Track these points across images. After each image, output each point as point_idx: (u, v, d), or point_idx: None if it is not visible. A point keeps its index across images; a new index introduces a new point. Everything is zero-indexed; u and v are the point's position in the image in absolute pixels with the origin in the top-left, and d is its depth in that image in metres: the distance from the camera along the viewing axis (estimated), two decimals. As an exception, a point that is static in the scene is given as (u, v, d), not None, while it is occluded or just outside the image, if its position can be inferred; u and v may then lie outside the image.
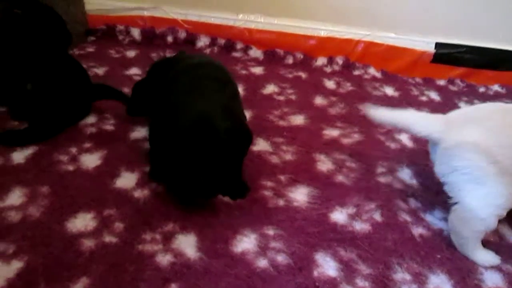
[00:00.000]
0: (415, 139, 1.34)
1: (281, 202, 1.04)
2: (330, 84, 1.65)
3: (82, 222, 0.92)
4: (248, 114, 1.37)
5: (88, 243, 0.87)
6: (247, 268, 0.86)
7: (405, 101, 1.59)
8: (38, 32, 1.19)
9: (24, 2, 1.18)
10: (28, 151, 1.12)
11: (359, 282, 0.85)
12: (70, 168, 1.08)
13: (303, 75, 1.69)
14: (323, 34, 1.79)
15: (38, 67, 1.18)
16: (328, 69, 1.76)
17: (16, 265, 0.81)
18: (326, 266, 0.88)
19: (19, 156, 1.10)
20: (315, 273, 0.86)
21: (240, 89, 1.49)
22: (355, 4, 1.74)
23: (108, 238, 0.89)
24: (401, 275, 0.88)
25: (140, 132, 1.23)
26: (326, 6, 1.76)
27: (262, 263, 0.87)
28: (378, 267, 0.89)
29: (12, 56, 1.17)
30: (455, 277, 0.89)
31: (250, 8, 1.78)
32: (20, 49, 1.17)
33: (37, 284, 0.78)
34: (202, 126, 0.91)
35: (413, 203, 1.08)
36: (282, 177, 1.12)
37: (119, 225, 0.92)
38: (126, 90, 1.44)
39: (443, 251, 0.95)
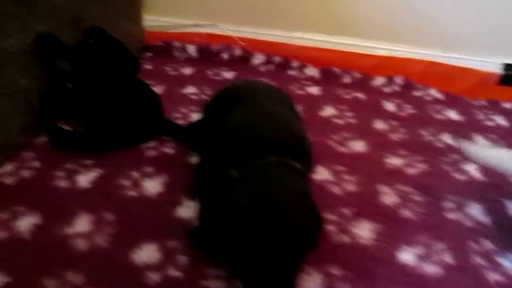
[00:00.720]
0: (485, 170, 1.26)
1: (346, 239, 1.00)
2: (390, 106, 1.60)
3: (147, 253, 0.92)
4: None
5: (154, 277, 0.87)
6: (314, 311, 0.83)
7: (471, 127, 1.51)
8: (106, 58, 1.29)
9: (95, 34, 1.32)
10: (93, 174, 1.14)
11: (433, 334, 0.81)
12: (133, 193, 1.09)
13: (361, 96, 1.65)
14: (381, 53, 1.73)
15: (111, 85, 1.26)
16: (387, 90, 1.71)
17: (86, 298, 0.82)
18: (396, 313, 0.84)
19: (84, 179, 1.12)
20: (386, 322, 0.82)
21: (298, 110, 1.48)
22: (415, 23, 1.68)
23: (173, 272, 0.89)
24: (478, 328, 0.83)
25: (200, 157, 1.23)
26: (385, 25, 1.71)
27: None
28: (453, 318, 0.84)
29: (88, 76, 1.26)
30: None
31: (307, 26, 1.76)
32: (93, 71, 1.27)
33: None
34: (265, 208, 0.74)
35: (486, 244, 1.02)
36: (346, 211, 1.08)
37: (182, 258, 0.92)
38: (184, 110, 1.46)
39: (524, 302, 0.89)
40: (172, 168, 1.18)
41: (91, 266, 0.88)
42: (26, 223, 0.98)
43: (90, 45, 1.28)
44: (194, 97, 1.55)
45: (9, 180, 1.10)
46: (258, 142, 0.88)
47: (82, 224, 0.98)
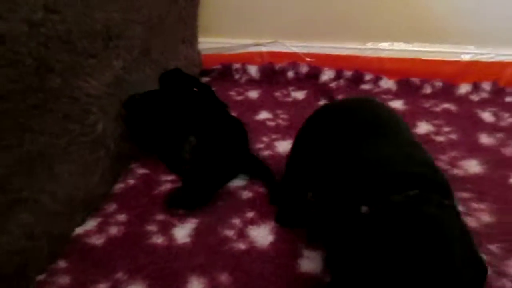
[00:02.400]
0: None
1: (502, 282, 0.84)
2: (487, 116, 1.43)
3: (284, 323, 0.77)
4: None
5: None
6: None
7: None
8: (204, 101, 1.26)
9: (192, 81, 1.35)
10: (190, 226, 1.00)
11: None
12: (242, 246, 0.94)
13: (451, 107, 1.48)
14: (465, 58, 1.58)
15: (201, 124, 1.16)
16: (476, 98, 1.54)
17: None
18: None
19: (182, 233, 0.98)
20: None
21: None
22: (502, 23, 1.52)
23: None
24: None
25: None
26: (467, 27, 1.55)
27: None
28: None
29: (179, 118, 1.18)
30: None
31: (378, 35, 1.61)
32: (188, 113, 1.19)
33: None
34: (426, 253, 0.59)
35: None
36: (493, 247, 0.92)
37: (328, 328, 0.76)
38: (265, 139, 1.31)
39: None
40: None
41: None
42: (125, 296, 0.83)
43: (195, 92, 1.22)
44: (270, 123, 1.41)
45: (97, 240, 0.97)
46: (394, 175, 0.71)
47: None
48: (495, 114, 1.45)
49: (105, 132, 1.06)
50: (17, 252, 0.82)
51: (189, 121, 1.15)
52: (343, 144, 0.84)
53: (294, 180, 1.00)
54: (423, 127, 1.36)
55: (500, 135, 1.33)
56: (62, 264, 0.91)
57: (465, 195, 1.07)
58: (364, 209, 0.66)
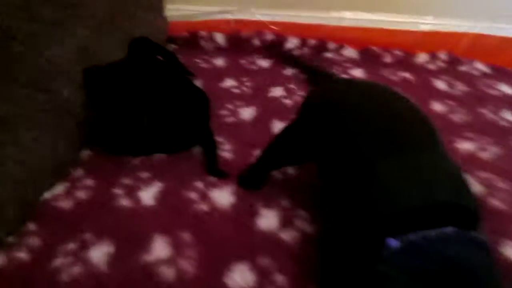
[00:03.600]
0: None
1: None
2: (440, 85, 1.52)
3: (240, 276, 0.84)
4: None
5: (257, 303, 0.80)
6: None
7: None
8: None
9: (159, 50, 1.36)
10: (155, 189, 1.05)
11: None
12: (204, 207, 1.00)
13: (408, 76, 1.56)
14: (423, 28, 1.64)
15: (158, 97, 1.15)
16: (432, 67, 1.62)
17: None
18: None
19: (147, 195, 1.03)
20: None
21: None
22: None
23: (275, 295, 0.81)
24: None
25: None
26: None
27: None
28: None
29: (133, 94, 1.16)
30: None
31: (342, 4, 1.65)
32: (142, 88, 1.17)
33: None
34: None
35: None
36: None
37: (280, 278, 0.84)
38: (230, 106, 1.36)
39: None
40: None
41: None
42: (99, 252, 0.89)
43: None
44: (235, 90, 1.45)
45: (65, 204, 1.01)
46: (427, 207, 0.60)
47: (160, 248, 0.90)
48: (448, 83, 1.53)
49: (70, 100, 1.09)
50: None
51: (147, 94, 1.15)
52: (353, 153, 0.72)
53: (269, 167, 1.03)
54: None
55: (451, 102, 1.42)
56: (31, 227, 0.95)
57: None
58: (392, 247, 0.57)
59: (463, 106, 1.40)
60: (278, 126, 1.25)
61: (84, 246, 0.91)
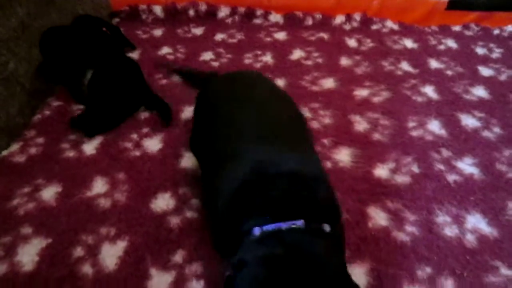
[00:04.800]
0: (440, 90, 1.44)
1: (329, 164, 1.17)
2: (351, 42, 1.73)
3: (163, 202, 1.06)
4: (282, 82, 1.48)
5: (174, 220, 1.02)
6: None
7: (425, 52, 1.67)
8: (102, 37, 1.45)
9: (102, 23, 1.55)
10: (96, 142, 1.25)
11: (408, 228, 1.00)
12: (137, 153, 1.21)
13: (325, 36, 1.77)
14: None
15: (98, 61, 1.34)
16: (348, 27, 1.83)
17: (122, 244, 0.96)
18: (378, 217, 1.02)
19: (89, 148, 1.23)
20: (370, 225, 1.01)
21: (269, 57, 1.60)
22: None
23: (190, 214, 1.04)
24: (442, 218, 1.02)
25: (189, 112, 1.35)
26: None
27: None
28: (422, 214, 1.03)
29: (79, 52, 1.36)
30: (488, 215, 1.03)
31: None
32: (86, 48, 1.37)
33: (144, 258, 0.93)
34: None
35: (444, 152, 1.21)
36: (325, 141, 1.24)
37: (196, 202, 1.07)
38: (163, 70, 1.55)
39: (476, 193, 1.09)
40: (164, 127, 1.30)
41: (119, 219, 1.02)
42: (49, 192, 1.10)
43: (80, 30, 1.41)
44: (170, 56, 1.64)
45: (20, 159, 1.20)
46: (274, 200, 0.71)
47: (99, 186, 1.11)
48: (358, 41, 1.75)
49: (17, 71, 1.26)
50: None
51: (90, 57, 1.33)
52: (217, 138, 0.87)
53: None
54: (296, 54, 1.65)
55: (357, 57, 1.64)
56: (-8, 178, 1.15)
57: (316, 105, 1.38)
58: (254, 235, 0.67)
59: (368, 59, 1.62)
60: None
61: (37, 189, 1.11)
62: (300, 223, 0.67)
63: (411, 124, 1.31)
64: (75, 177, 1.14)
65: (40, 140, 1.27)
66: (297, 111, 0.97)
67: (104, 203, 1.06)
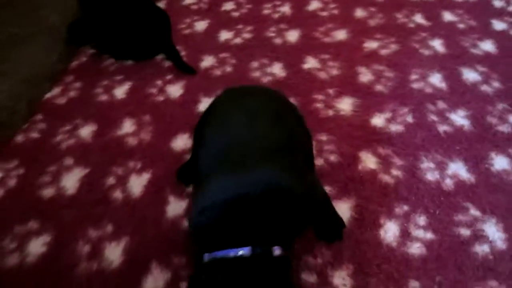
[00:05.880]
0: (447, 44, 1.50)
1: (330, 112, 1.29)
2: (369, -7, 1.77)
3: (182, 141, 1.23)
4: (296, 33, 1.57)
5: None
6: (308, 167, 1.15)
7: (441, 4, 1.70)
8: None
9: None
10: (125, 87, 1.41)
11: (394, 171, 1.13)
12: (161, 98, 1.37)
13: (342, -14, 1.81)
14: None
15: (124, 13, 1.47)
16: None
17: (146, 176, 1.15)
18: (368, 161, 1.15)
19: (120, 92, 1.40)
20: (359, 167, 1.14)
21: (287, 8, 1.67)
22: None
23: (203, 152, 1.20)
24: (426, 164, 1.14)
25: (209, 61, 1.48)
26: None
27: (320, 161, 1.16)
28: (409, 160, 1.15)
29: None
30: (469, 163, 1.14)
31: None
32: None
33: (164, 188, 1.11)
34: None
35: (440, 104, 1.30)
36: (331, 91, 1.35)
37: (209, 142, 1.23)
38: (187, 20, 1.67)
39: (462, 143, 1.18)
40: (187, 74, 1.44)
41: (144, 154, 1.20)
42: (86, 130, 1.29)
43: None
44: (194, 7, 1.75)
45: (61, 101, 1.39)
46: (227, 226, 0.72)
47: (128, 126, 1.29)
48: (376, -9, 1.79)
49: (57, 23, 1.42)
50: (4, 108, 1.26)
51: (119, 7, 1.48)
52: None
53: None
54: (314, 5, 1.72)
55: (373, 9, 1.69)
56: (38, 117, 1.34)
57: (326, 56, 1.48)
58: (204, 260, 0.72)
59: (382, 11, 1.67)
60: (224, 35, 1.58)
61: (76, 127, 1.30)
62: (246, 250, 0.69)
63: (413, 77, 1.39)
64: (108, 118, 1.32)
65: (78, 84, 1.44)
66: (298, 131, 0.93)
67: (132, 141, 1.24)
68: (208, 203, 0.74)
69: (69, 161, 1.20)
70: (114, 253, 1.00)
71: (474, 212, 1.03)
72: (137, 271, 0.96)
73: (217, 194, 0.74)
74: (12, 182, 1.17)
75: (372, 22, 1.63)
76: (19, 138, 1.28)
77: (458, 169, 1.13)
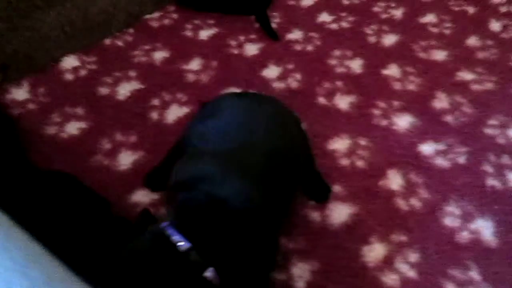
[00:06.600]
0: None
1: (383, 122, 1.22)
2: (494, 26, 1.61)
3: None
4: (394, 38, 1.50)
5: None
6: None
7: None
8: None
9: None
10: (211, 32, 1.50)
11: (413, 201, 1.05)
12: (235, 52, 1.43)
13: (470, 9, 1.67)
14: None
15: None
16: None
17: (185, 110, 1.23)
18: (393, 181, 1.08)
19: (204, 34, 1.49)
20: (380, 183, 1.08)
21: (399, 12, 1.60)
22: None
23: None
24: (452, 209, 1.04)
25: (295, 35, 1.49)
26: None
27: (346, 162, 1.13)
28: (436, 197, 1.06)
29: None
30: (501, 228, 1.01)
31: None
32: None
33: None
34: None
35: (505, 159, 1.15)
36: (396, 103, 1.28)
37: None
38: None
39: (505, 205, 1.05)
40: (268, 39, 1.48)
41: (195, 91, 1.29)
42: (159, 55, 1.41)
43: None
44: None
45: (155, 24, 1.53)
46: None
47: (195, 64, 1.38)
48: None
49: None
50: (104, 12, 1.42)
51: None
52: None
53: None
54: (428, 18, 1.60)
55: (490, 42, 1.53)
56: (130, 30, 1.49)
57: (411, 69, 1.39)
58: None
59: (498, 47, 1.49)
60: (324, 17, 1.57)
61: (153, 49, 1.43)
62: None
63: (491, 122, 1.24)
64: (182, 51, 1.43)
65: (175, 15, 1.57)
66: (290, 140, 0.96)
67: (191, 77, 1.33)
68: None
69: (132, 73, 1.33)
70: (126, 159, 1.11)
71: (474, 274, 0.94)
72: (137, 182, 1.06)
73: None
74: (83, 72, 1.33)
75: (481, 55, 1.48)
76: (107, 41, 1.44)
77: (484, 227, 1.02)
